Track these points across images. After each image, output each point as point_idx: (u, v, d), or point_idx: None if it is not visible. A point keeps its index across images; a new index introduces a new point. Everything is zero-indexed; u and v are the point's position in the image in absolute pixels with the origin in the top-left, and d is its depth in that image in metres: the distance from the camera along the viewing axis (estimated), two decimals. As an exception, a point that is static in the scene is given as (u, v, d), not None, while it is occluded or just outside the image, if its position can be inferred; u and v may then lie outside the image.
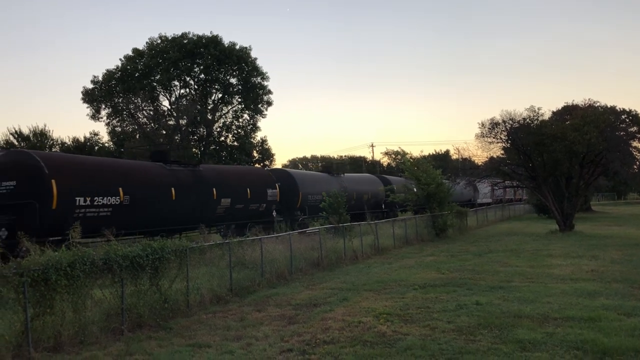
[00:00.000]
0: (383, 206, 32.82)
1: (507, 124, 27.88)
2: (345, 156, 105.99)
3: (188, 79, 48.61)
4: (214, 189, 23.34)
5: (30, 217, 16.19)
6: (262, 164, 49.92)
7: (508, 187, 41.59)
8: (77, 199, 17.33)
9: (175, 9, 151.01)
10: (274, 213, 26.76)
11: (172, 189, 21.26)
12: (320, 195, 26.14)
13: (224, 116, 50.08)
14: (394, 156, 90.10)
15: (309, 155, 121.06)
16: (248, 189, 25.02)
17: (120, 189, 18.92)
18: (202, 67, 47.42)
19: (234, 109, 50.31)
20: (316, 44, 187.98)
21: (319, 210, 25.92)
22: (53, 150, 42.68)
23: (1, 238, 16.14)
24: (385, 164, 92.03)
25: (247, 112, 50.29)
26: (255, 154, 50.40)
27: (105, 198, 18.25)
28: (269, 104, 50.52)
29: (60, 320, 8.57)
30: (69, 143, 45.92)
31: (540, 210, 42.69)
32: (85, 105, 47.52)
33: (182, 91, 48.96)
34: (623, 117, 43.42)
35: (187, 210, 21.60)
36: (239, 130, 50.12)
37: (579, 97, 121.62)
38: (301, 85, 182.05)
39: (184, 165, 23.66)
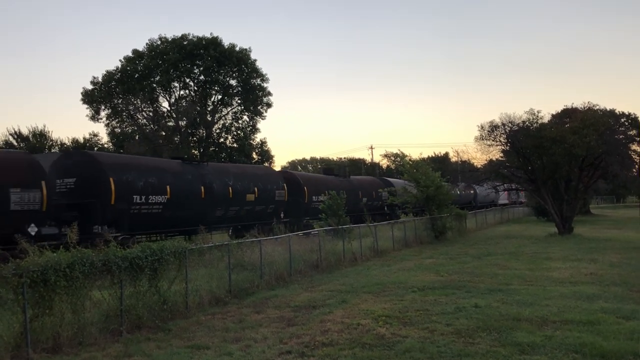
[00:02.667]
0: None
1: (506, 126, 27.91)
2: (344, 158, 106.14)
3: (188, 80, 48.59)
4: (360, 192, 36.86)
5: (289, 207, 28.82)
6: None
7: (508, 190, 42.00)
8: (313, 197, 30.77)
9: (175, 10, 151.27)
10: (385, 208, 38.80)
11: (344, 191, 32.47)
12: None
13: (223, 118, 50.08)
14: (393, 158, 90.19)
15: (308, 157, 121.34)
16: (373, 192, 37.33)
17: (327, 191, 29.53)
18: (201, 68, 47.41)
19: (234, 110, 50.33)
20: (316, 46, 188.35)
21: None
22: (52, 150, 42.68)
23: (281, 218, 27.65)
24: (384, 166, 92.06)
25: (246, 113, 50.30)
26: (254, 155, 50.40)
27: (321, 196, 30.18)
28: (269, 105, 50.53)
29: (59, 321, 8.58)
30: (68, 144, 45.93)
31: (539, 213, 42.70)
32: (85, 106, 47.54)
33: (182, 92, 48.98)
34: (622, 120, 43.46)
35: (349, 204, 31.39)
36: (239, 132, 50.11)
37: (578, 100, 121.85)
38: (300, 87, 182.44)
39: (343, 176, 39.30)
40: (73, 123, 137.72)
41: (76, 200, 18.45)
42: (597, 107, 35.41)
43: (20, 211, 16.12)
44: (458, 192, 49.81)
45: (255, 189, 26.09)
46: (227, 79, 48.84)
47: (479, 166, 34.44)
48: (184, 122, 47.15)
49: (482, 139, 28.84)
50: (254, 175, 27.02)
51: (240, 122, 50.51)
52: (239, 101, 49.80)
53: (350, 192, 34.97)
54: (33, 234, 16.31)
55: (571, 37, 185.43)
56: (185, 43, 46.57)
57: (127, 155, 27.87)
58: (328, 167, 44.18)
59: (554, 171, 28.03)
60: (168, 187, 20.92)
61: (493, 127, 28.30)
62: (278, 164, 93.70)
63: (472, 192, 56.44)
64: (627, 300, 11.12)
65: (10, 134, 43.35)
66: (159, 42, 47.30)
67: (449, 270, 16.35)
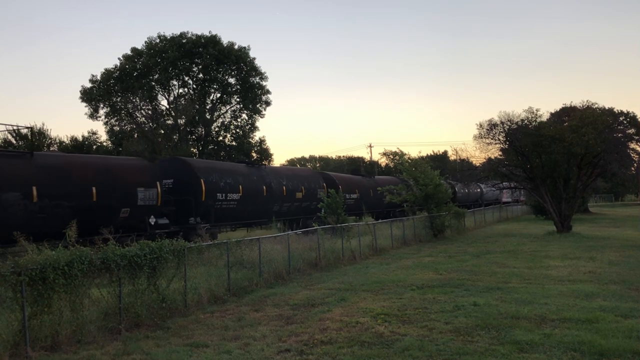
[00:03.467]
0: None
1: (505, 125, 27.92)
2: (343, 157, 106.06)
3: (187, 78, 48.58)
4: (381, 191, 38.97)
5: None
6: (260, 164, 49.94)
7: (506, 188, 42.30)
8: (346, 195, 33.26)
9: (174, 8, 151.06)
10: (405, 205, 42.07)
11: (370, 190, 37.75)
12: None
13: (222, 116, 50.09)
14: (392, 157, 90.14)
15: (307, 156, 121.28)
16: (395, 190, 40.83)
17: (357, 189, 36.37)
18: (200, 66, 47.40)
19: (233, 108, 50.31)
20: (314, 44, 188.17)
21: None
22: (51, 149, 42.58)
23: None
24: (383, 164, 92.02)
25: (245, 112, 50.29)
26: (253, 154, 50.38)
27: (353, 194, 35.39)
28: (267, 104, 50.54)
29: (57, 319, 8.57)
30: (67, 142, 45.85)
31: (538, 212, 42.72)
32: (84, 104, 47.49)
33: (181, 91, 48.98)
34: (621, 118, 43.56)
35: (375, 202, 37.47)
36: (237, 130, 50.11)
37: (577, 99, 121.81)
38: (299, 85, 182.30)
39: (369, 176, 43.04)
40: (72, 121, 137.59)
41: (174, 197, 22.60)
42: (596, 105, 35.46)
43: (144, 206, 20.48)
44: (467, 191, 52.46)
45: (302, 188, 30.56)
46: (226, 77, 48.84)
47: (478, 164, 34.45)
48: (183, 120, 47.11)
49: (481, 138, 28.88)
50: (300, 176, 32.11)
51: (239, 120, 50.58)
52: (237, 99, 49.79)
53: (376, 191, 38.16)
54: (152, 223, 20.62)
55: (570, 36, 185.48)
56: (184, 41, 46.54)
57: (209, 160, 32.17)
58: (356, 168, 51.94)
59: (552, 169, 28.05)
60: (240, 186, 25.42)
61: (492, 126, 28.33)
62: (277, 163, 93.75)
63: (478, 190, 59.72)
64: (626, 298, 11.14)
65: (9, 132, 43.23)
66: (157, 41, 47.27)
67: (447, 268, 16.36)
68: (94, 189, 18.83)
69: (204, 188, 22.94)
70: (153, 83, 47.43)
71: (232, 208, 24.75)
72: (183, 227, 21.98)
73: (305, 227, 23.77)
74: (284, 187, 28.91)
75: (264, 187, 27.19)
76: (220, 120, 49.95)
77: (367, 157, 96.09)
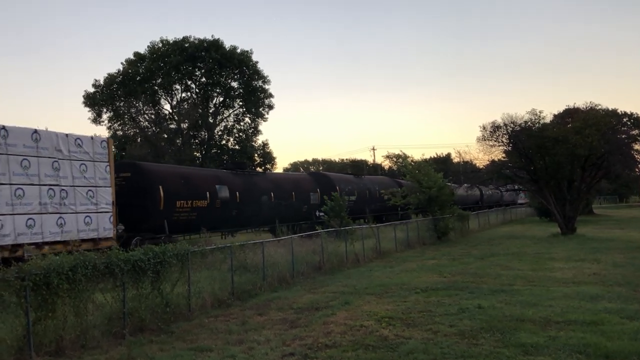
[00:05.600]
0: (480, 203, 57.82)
1: (508, 127, 27.89)
2: (346, 159, 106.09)
3: (189, 82, 48.58)
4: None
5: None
6: (263, 168, 49.97)
7: (509, 190, 42.30)
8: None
9: (176, 13, 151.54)
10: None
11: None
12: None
13: (225, 120, 50.09)
14: (395, 159, 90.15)
15: (310, 159, 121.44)
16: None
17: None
18: (203, 70, 47.42)
19: (235, 112, 50.33)
20: (317, 47, 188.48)
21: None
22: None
23: (399, 211, 36.03)
24: (386, 167, 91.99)
25: (248, 115, 50.30)
26: (256, 157, 50.39)
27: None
28: (270, 107, 50.51)
29: (61, 324, 8.58)
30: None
31: (542, 213, 42.62)
32: (87, 108, 47.55)
33: (184, 95, 48.97)
34: (625, 120, 43.29)
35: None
36: (241, 134, 50.12)
37: (580, 100, 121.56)
38: (302, 88, 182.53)
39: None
40: (75, 126, 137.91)
41: (320, 199, 31.51)
42: (599, 106, 35.21)
43: (313, 204, 31.41)
44: (490, 193, 61.10)
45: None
46: (229, 81, 48.85)
47: (482, 167, 34.41)
48: (186, 124, 47.14)
49: (485, 140, 28.85)
50: (384, 183, 41.76)
51: (242, 124, 50.54)
52: (240, 103, 49.80)
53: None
54: (318, 215, 30.11)
55: (573, 37, 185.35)
56: (186, 45, 46.57)
57: (338, 173, 44.27)
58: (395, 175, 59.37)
59: (556, 171, 27.98)
60: (355, 191, 35.63)
61: (495, 128, 28.29)
62: (280, 166, 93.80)
63: (499, 192, 65.45)
64: (631, 300, 11.09)
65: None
66: (160, 45, 47.30)
67: (451, 271, 16.32)
68: (293, 193, 30.18)
69: (339, 191, 32.67)
70: (156, 87, 47.45)
71: (351, 206, 33.21)
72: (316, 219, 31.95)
73: (387, 221, 29.93)
74: (377, 192, 38.24)
75: (366, 192, 37.61)
76: (223, 124, 49.96)
77: (370, 159, 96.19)
